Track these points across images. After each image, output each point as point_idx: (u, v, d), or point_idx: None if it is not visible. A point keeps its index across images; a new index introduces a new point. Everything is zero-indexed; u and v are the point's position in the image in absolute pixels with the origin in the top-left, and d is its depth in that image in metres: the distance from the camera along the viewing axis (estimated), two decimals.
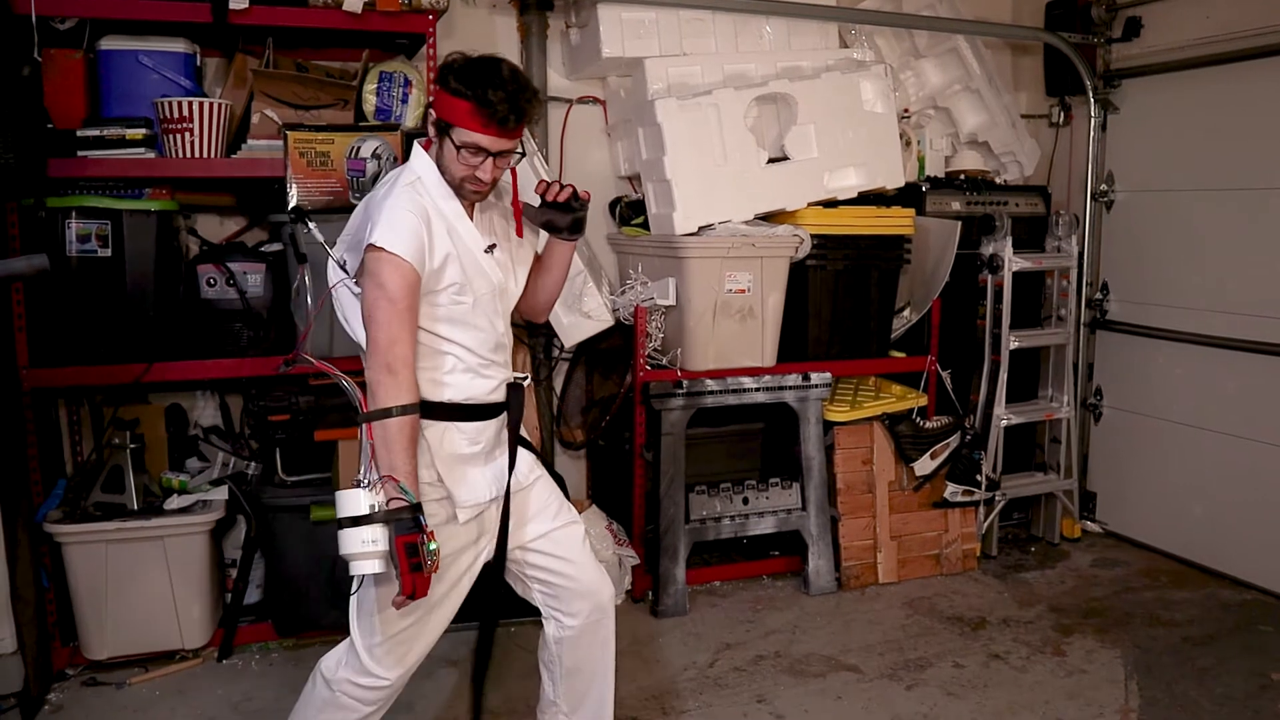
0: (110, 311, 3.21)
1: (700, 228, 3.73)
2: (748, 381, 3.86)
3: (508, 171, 2.31)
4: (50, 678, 3.20)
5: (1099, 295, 4.71)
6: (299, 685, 2.95)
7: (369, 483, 2.03)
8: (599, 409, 4.03)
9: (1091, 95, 4.60)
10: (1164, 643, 3.59)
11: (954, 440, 4.17)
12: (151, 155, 3.22)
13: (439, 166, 2.22)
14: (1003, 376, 4.27)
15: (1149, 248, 4.51)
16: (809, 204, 3.91)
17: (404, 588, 2.00)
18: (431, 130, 2.22)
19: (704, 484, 3.96)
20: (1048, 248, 4.46)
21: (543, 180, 2.37)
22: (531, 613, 3.67)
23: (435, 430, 2.23)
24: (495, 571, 2.40)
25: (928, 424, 4.14)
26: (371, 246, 2.09)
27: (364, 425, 2.11)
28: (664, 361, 3.83)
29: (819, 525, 4.01)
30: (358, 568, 2.01)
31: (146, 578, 3.25)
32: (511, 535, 2.38)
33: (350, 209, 2.49)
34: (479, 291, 2.25)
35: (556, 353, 4.19)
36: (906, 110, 4.51)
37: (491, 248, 2.30)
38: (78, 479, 3.44)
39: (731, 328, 3.78)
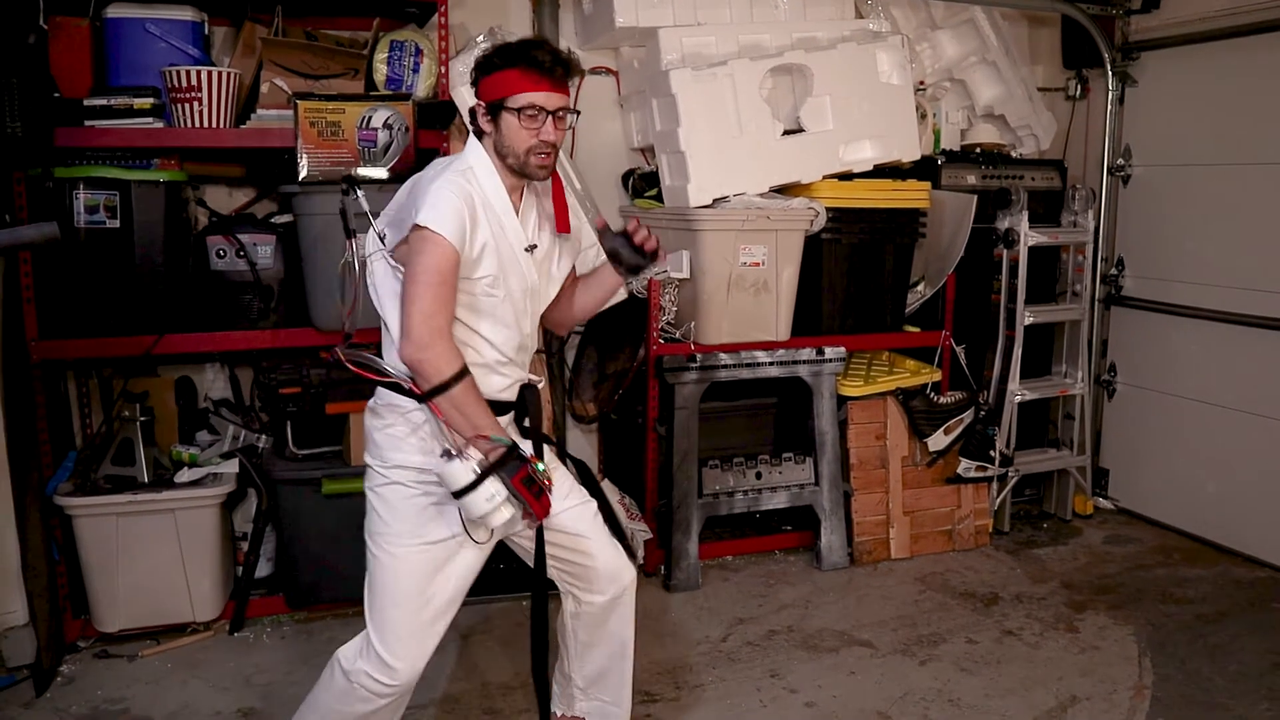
0: (119, 283, 3.18)
1: (715, 200, 3.70)
2: (761, 355, 3.83)
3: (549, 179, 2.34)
4: (62, 650, 3.20)
5: (1114, 271, 4.67)
6: (310, 658, 2.97)
7: (459, 452, 2.06)
8: (611, 383, 4.01)
9: (1109, 68, 4.54)
10: (1177, 620, 3.58)
11: (968, 416, 4.14)
12: (160, 125, 3.19)
13: (500, 154, 2.23)
14: (1017, 352, 4.24)
15: (1165, 223, 4.46)
16: (824, 177, 3.87)
17: (538, 514, 2.12)
18: (484, 122, 2.23)
19: (717, 458, 3.94)
20: (1063, 222, 4.42)
21: (635, 218, 2.47)
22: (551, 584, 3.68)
23: (420, 414, 2.22)
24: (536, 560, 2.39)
25: (941, 399, 4.12)
26: (417, 226, 2.10)
27: (427, 404, 2.14)
28: (677, 335, 3.80)
29: (832, 500, 4.00)
30: (496, 521, 2.08)
31: (157, 550, 3.24)
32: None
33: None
34: (512, 288, 2.26)
35: None
36: (922, 82, 4.45)
37: (532, 248, 2.30)
38: (88, 452, 3.43)
39: (745, 301, 3.75)
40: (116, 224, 3.16)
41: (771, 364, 3.85)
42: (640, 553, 3.87)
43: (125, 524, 3.19)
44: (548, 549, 2.41)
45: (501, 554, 3.61)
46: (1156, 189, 4.51)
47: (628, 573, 2.50)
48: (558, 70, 2.18)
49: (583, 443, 4.35)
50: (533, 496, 2.09)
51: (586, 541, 2.43)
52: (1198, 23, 4.26)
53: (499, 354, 2.28)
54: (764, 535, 4.20)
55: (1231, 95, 4.15)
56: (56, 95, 3.14)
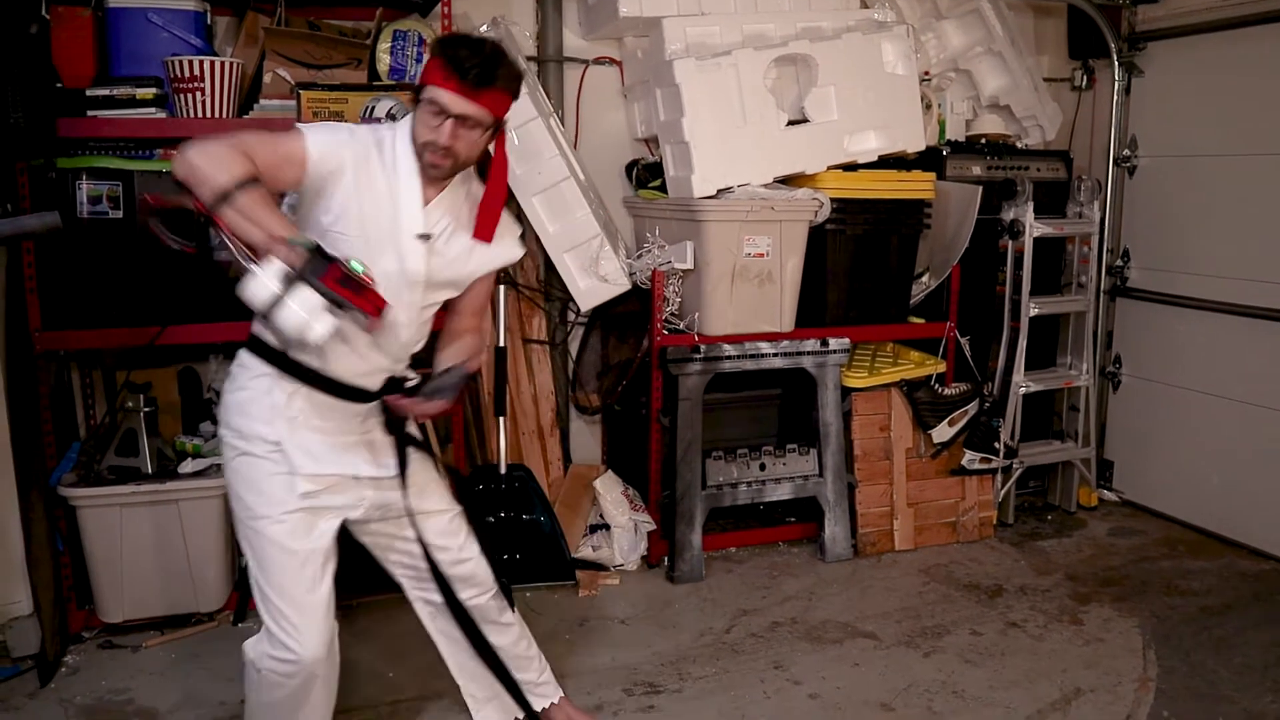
0: (122, 274, 3.18)
1: (719, 190, 3.69)
2: (765, 347, 3.82)
3: (481, 186, 2.28)
4: (67, 640, 3.21)
5: (1120, 262, 4.65)
6: None
7: (256, 263, 1.86)
8: (615, 374, 4.00)
9: (1116, 58, 4.52)
10: (1182, 612, 3.57)
11: (972, 407, 4.13)
12: (162, 115, 3.18)
13: (412, 137, 2.17)
14: (1022, 343, 4.22)
15: (1172, 214, 4.44)
16: (828, 167, 3.85)
17: (368, 311, 1.90)
18: (409, 102, 2.20)
19: (720, 450, 3.94)
20: (1069, 213, 4.40)
21: (406, 405, 2.24)
22: (546, 577, 3.69)
23: (286, 388, 2.16)
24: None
25: (946, 391, 4.10)
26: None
27: (214, 221, 1.92)
28: (681, 326, 3.79)
29: (836, 492, 3.99)
30: (314, 334, 1.86)
31: (161, 541, 3.24)
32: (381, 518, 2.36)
33: None
34: (387, 268, 2.14)
35: (572, 317, 4.16)
36: (927, 73, 4.43)
37: (426, 237, 2.20)
38: (91, 443, 3.42)
39: (750, 292, 3.74)
40: (120, 214, 3.15)
41: (775, 355, 3.84)
42: (643, 544, 3.87)
43: (129, 515, 3.19)
44: (395, 554, 2.44)
45: (508, 545, 3.62)
46: (1163, 180, 4.49)
47: (489, 586, 2.50)
48: (472, 75, 2.06)
49: (586, 434, 4.34)
50: (354, 294, 1.87)
51: (455, 551, 2.43)
52: (1205, 13, 4.24)
53: (344, 340, 2.12)
54: (768, 527, 4.19)
55: (1239, 86, 4.13)
56: (59, 85, 3.13)
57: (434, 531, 2.40)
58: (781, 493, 3.97)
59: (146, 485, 3.21)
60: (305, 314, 1.83)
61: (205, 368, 3.74)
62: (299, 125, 2.13)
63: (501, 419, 3.76)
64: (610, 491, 3.85)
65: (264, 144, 2.03)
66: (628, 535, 3.83)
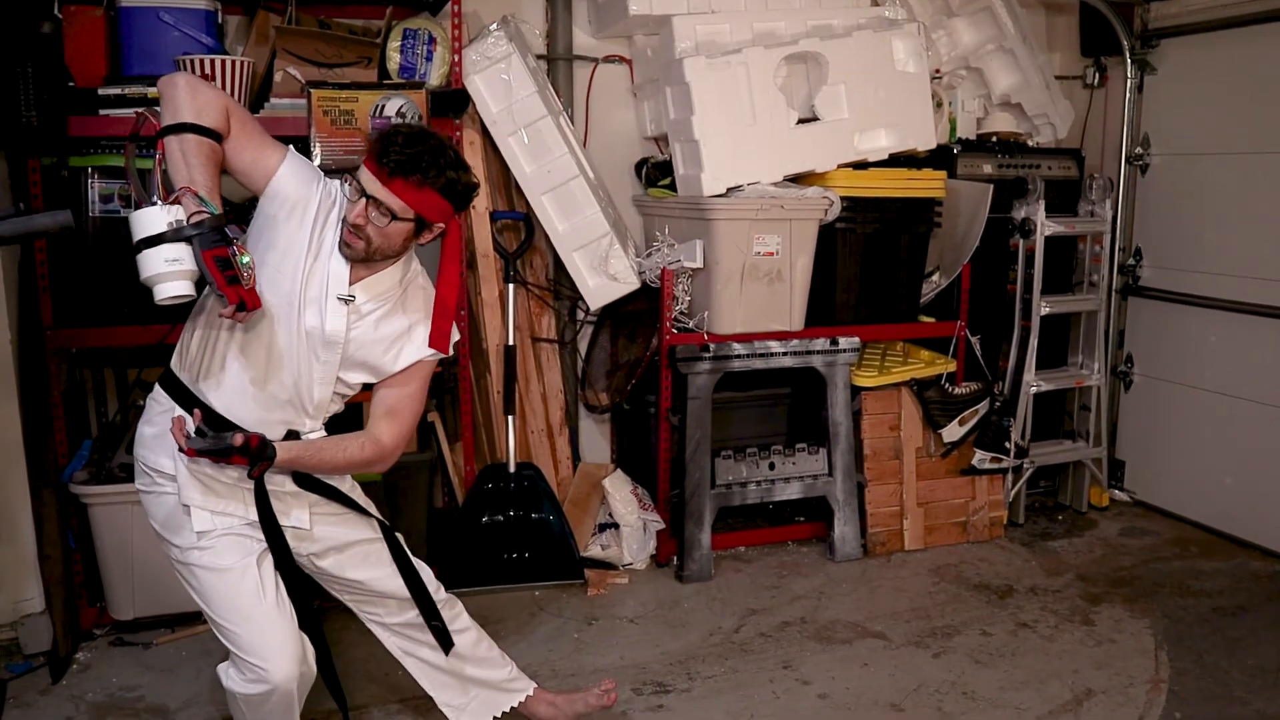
0: (133, 272, 3.17)
1: (728, 189, 3.68)
2: (775, 346, 3.81)
3: (430, 292, 2.26)
4: (79, 637, 3.22)
5: (1132, 261, 4.63)
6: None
7: (162, 200, 1.85)
8: (624, 372, 4.00)
9: (1128, 55, 4.50)
10: (1194, 613, 3.56)
11: (983, 407, 4.12)
12: None
13: None
14: (1033, 343, 4.21)
15: (1184, 213, 4.42)
16: (839, 165, 3.84)
17: (229, 299, 1.84)
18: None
19: (730, 449, 3.93)
20: (1080, 212, 4.38)
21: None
22: (555, 576, 3.69)
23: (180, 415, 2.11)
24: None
25: (956, 390, 4.09)
26: None
27: (157, 145, 1.94)
28: (690, 325, 3.78)
29: (845, 491, 3.98)
30: (163, 290, 1.83)
31: None
32: (308, 555, 2.34)
33: None
34: (306, 320, 2.13)
35: (582, 315, 4.16)
36: (938, 71, 4.42)
37: (349, 300, 2.16)
38: (103, 440, 3.44)
39: (759, 291, 3.73)
40: (131, 212, 3.15)
41: (785, 354, 3.84)
42: (652, 543, 3.87)
43: (140, 513, 3.14)
44: (334, 586, 2.43)
45: (517, 544, 3.62)
46: (1175, 178, 4.47)
47: (412, 608, 2.47)
48: (392, 162, 2.03)
49: (595, 432, 4.34)
50: (223, 279, 1.82)
51: (374, 584, 2.41)
52: (1218, 9, 4.20)
53: (255, 386, 2.13)
54: (777, 526, 4.19)
55: (1253, 83, 4.10)
56: (71, 84, 3.14)
57: (358, 563, 2.38)
58: (791, 492, 3.97)
59: None
60: (165, 268, 1.81)
61: None
62: (290, 149, 2.14)
63: (510, 418, 3.76)
64: (619, 490, 3.85)
65: (249, 124, 2.07)
66: (637, 534, 3.83)
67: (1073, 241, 4.47)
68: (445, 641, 2.48)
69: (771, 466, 3.96)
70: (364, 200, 2.07)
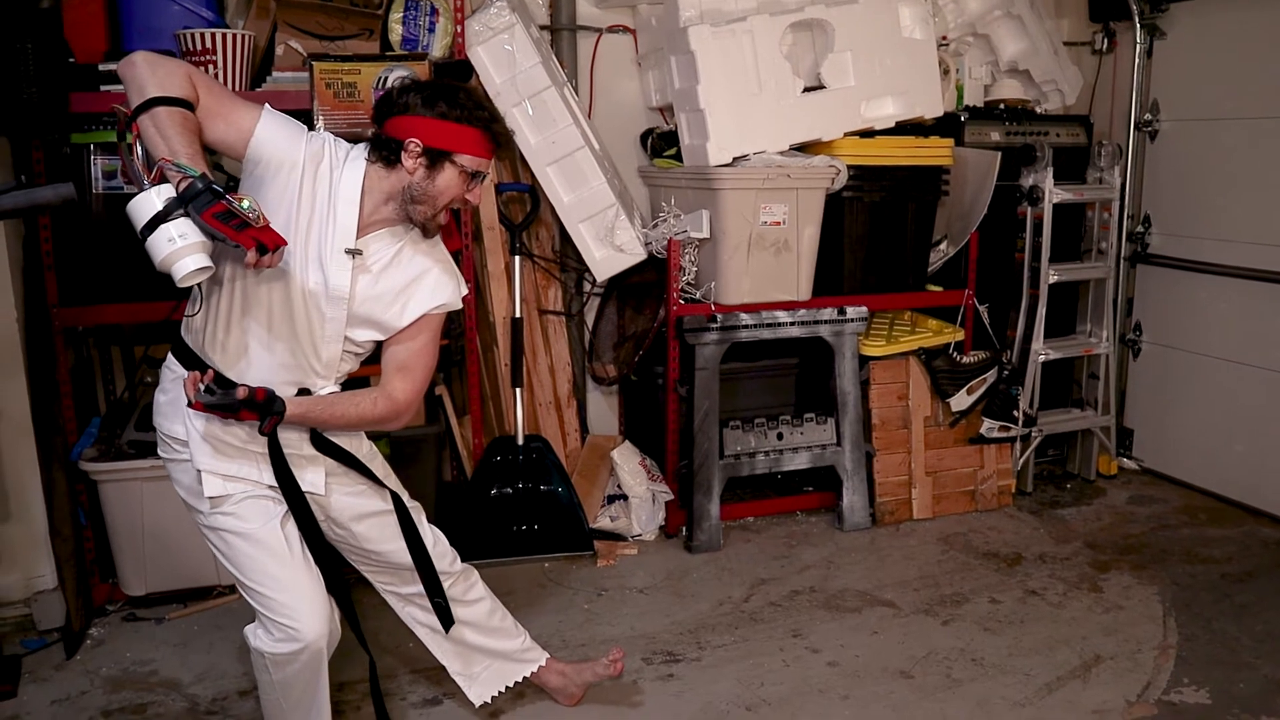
0: (138, 249, 3.17)
1: (734, 159, 3.66)
2: (782, 315, 3.80)
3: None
4: (91, 613, 3.24)
5: (1140, 228, 4.60)
6: (331, 620, 2.97)
7: (150, 183, 1.82)
8: (631, 344, 3.99)
9: (1137, 20, 4.44)
10: (1202, 580, 3.56)
11: (991, 375, 4.10)
12: None
13: (408, 194, 2.14)
14: (1041, 311, 4.19)
15: (1194, 179, 4.38)
16: (845, 134, 3.81)
17: (246, 245, 1.81)
18: (414, 160, 2.11)
19: (738, 419, 3.93)
20: (1089, 179, 4.35)
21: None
22: (564, 548, 3.70)
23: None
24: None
25: (964, 359, 4.08)
26: None
27: (130, 130, 1.91)
28: (697, 295, 3.77)
29: (854, 461, 3.98)
30: (181, 269, 1.80)
31: (181, 515, 3.18)
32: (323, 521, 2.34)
33: None
34: (310, 279, 2.11)
35: (588, 287, 4.15)
36: (945, 37, 4.37)
37: (356, 253, 2.15)
38: (111, 417, 3.44)
39: (766, 261, 3.71)
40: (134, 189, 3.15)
41: (793, 324, 3.83)
42: (661, 514, 3.88)
43: (150, 489, 3.21)
44: (357, 559, 2.46)
45: (526, 516, 3.63)
46: (1185, 144, 4.43)
47: (454, 571, 2.51)
48: (501, 139, 2.19)
49: (603, 404, 4.34)
50: (233, 230, 1.79)
51: (390, 555, 2.43)
52: None
53: (264, 347, 2.13)
54: (785, 496, 4.19)
55: (1263, 48, 4.05)
56: (71, 60, 3.12)
57: (373, 535, 2.40)
58: (799, 462, 3.97)
59: None
60: (172, 246, 1.78)
61: None
62: (266, 107, 2.10)
63: (518, 390, 3.76)
64: (628, 462, 3.85)
65: (215, 89, 2.04)
66: (645, 505, 3.83)
67: (1081, 209, 4.44)
68: (446, 619, 2.48)
69: (780, 437, 3.96)
70: (479, 183, 2.18)
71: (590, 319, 4.21)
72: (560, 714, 2.75)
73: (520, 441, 3.74)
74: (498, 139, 2.17)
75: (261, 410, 2.04)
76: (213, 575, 3.34)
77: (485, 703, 2.67)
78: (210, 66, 3.14)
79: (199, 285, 1.98)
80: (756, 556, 3.74)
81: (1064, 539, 3.90)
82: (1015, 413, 4.16)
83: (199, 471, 2.15)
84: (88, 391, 3.54)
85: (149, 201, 1.79)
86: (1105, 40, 4.70)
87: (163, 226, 1.78)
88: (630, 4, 4.08)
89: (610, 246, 3.79)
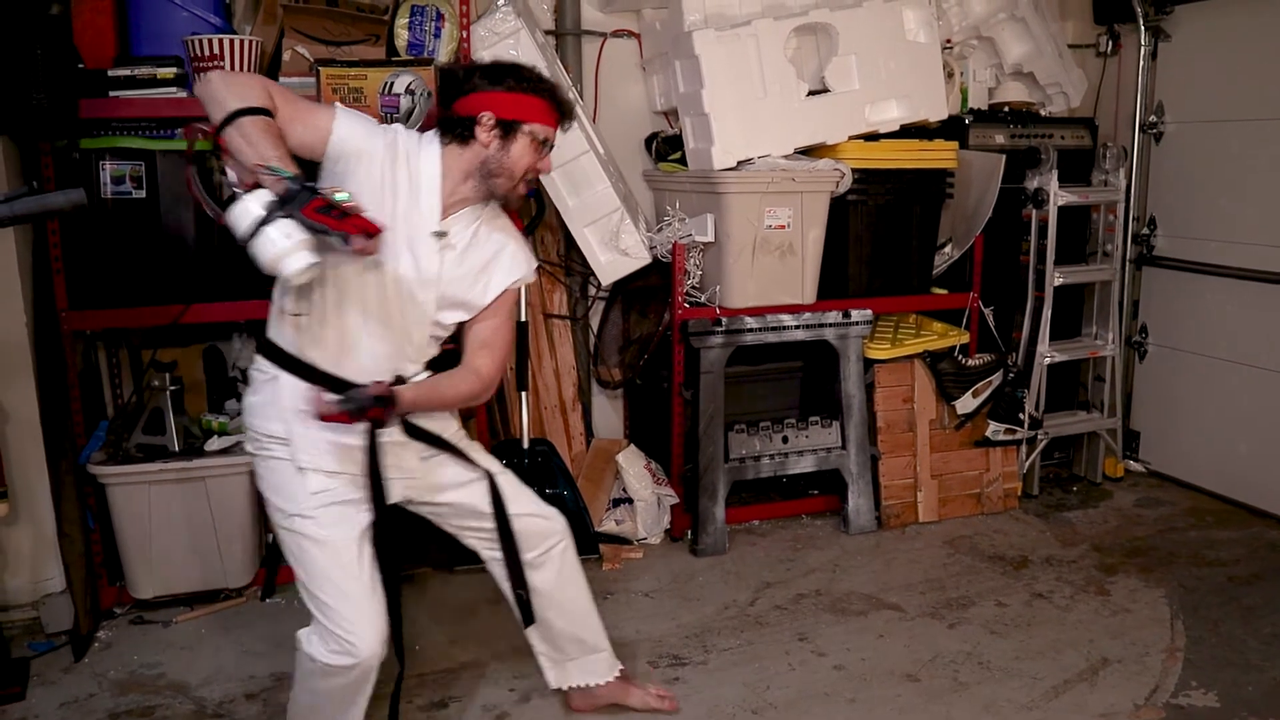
0: (146, 253, 3.19)
1: (739, 162, 3.66)
2: (787, 319, 3.81)
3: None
4: (99, 616, 3.25)
5: (1146, 230, 4.60)
6: None
7: (245, 190, 1.88)
8: (636, 348, 4.00)
9: (1142, 22, 4.45)
10: (1209, 582, 3.55)
11: (996, 378, 4.10)
12: (183, 94, 3.18)
13: (485, 169, 2.21)
14: (1046, 313, 4.19)
15: (1199, 181, 4.38)
16: (850, 137, 3.82)
17: (351, 232, 1.88)
18: (488, 133, 2.19)
19: (743, 423, 3.93)
20: (1094, 181, 4.35)
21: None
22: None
23: (296, 389, 2.15)
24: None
25: (970, 362, 4.08)
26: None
27: (216, 144, 1.97)
28: (702, 299, 3.78)
29: (859, 464, 3.98)
30: (290, 266, 1.83)
31: (189, 518, 3.28)
32: (423, 500, 2.40)
33: None
34: (401, 266, 2.17)
35: (593, 291, 4.16)
36: (949, 40, 4.37)
37: (442, 234, 2.21)
38: (119, 421, 3.46)
39: (771, 264, 3.72)
40: (143, 194, 3.16)
41: (797, 327, 3.83)
42: (666, 517, 3.88)
43: (157, 492, 3.23)
44: (457, 529, 2.48)
45: None
46: (1190, 146, 4.43)
47: (554, 534, 2.53)
48: (567, 110, 2.29)
49: (608, 408, 4.35)
50: (334, 220, 1.85)
51: (488, 517, 2.44)
52: None
53: (362, 334, 2.18)
54: (791, 499, 4.19)
55: (1267, 49, 4.05)
56: (80, 66, 3.14)
57: (474, 500, 2.43)
58: (804, 465, 3.97)
59: (174, 463, 3.23)
60: (284, 244, 1.82)
61: (229, 346, 3.76)
62: (337, 105, 2.19)
63: (524, 394, 3.77)
64: (633, 465, 3.86)
65: (289, 95, 2.10)
66: (651, 509, 3.84)
67: (1086, 211, 4.44)
68: (526, 615, 2.51)
69: (785, 440, 3.96)
70: (546, 147, 2.26)
71: (595, 323, 4.22)
72: (564, 718, 2.75)
73: (525, 445, 3.75)
74: (563, 108, 2.27)
75: (386, 404, 2.06)
76: (220, 578, 3.35)
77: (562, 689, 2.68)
78: None
79: (301, 286, 2.01)
80: (762, 560, 3.74)
81: (1070, 542, 3.90)
82: (1021, 415, 4.16)
83: (300, 469, 2.17)
84: (96, 395, 3.55)
85: (249, 208, 1.83)
86: (1110, 43, 4.70)
87: (266, 229, 1.82)
88: (634, 9, 4.09)
89: (615, 250, 3.80)
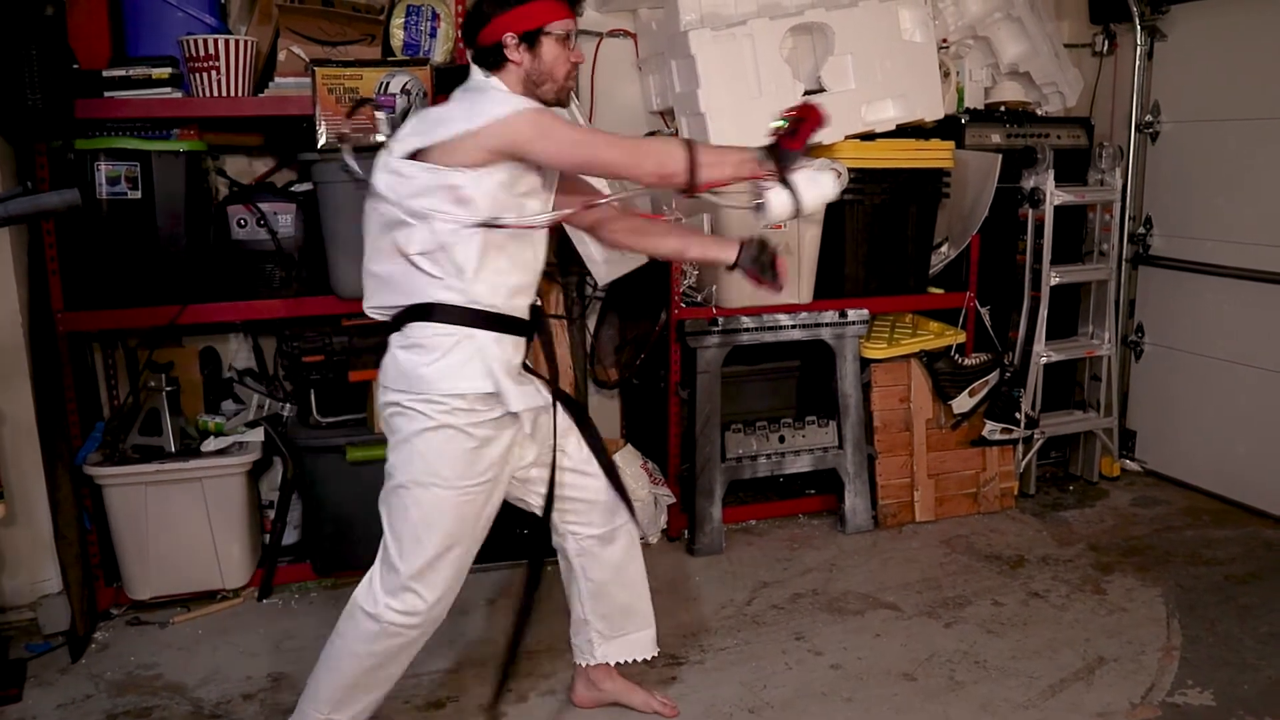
0: (142, 254, 3.19)
1: None
2: (784, 319, 3.81)
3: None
4: (96, 617, 3.25)
5: (1142, 230, 4.60)
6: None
7: (762, 190, 2.21)
8: (633, 347, 4.00)
9: (1138, 22, 4.45)
10: (1206, 581, 3.55)
11: (993, 378, 4.11)
12: (178, 95, 3.18)
13: (534, 83, 2.29)
14: (1043, 313, 4.19)
15: (1195, 180, 4.39)
16: (846, 137, 3.81)
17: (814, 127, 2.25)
18: (517, 52, 2.26)
19: (740, 422, 3.93)
20: (1090, 181, 4.35)
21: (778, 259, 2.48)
22: None
23: (488, 337, 2.24)
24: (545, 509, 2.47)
25: (966, 361, 4.08)
26: (498, 122, 2.12)
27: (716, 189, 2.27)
28: (699, 299, 3.78)
29: (855, 463, 3.98)
30: (835, 191, 2.27)
31: (186, 519, 3.28)
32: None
33: None
34: (539, 205, 2.32)
35: (590, 291, 4.15)
36: (945, 40, 4.37)
37: None
38: (115, 422, 3.46)
39: None
40: (138, 195, 3.16)
41: (794, 327, 3.83)
42: (663, 517, 3.88)
43: (154, 493, 3.23)
44: (538, 486, 2.50)
45: (533, 518, 3.64)
46: (1186, 146, 4.43)
47: (623, 510, 2.58)
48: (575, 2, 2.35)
49: (605, 408, 4.35)
50: (802, 137, 2.21)
51: (588, 477, 2.52)
52: None
53: (522, 279, 2.32)
54: (787, 499, 4.19)
55: (1264, 49, 4.05)
56: (75, 66, 3.13)
57: (581, 452, 2.54)
58: (801, 465, 3.97)
59: (170, 464, 3.24)
60: (818, 186, 2.20)
61: (226, 346, 3.77)
62: (509, 111, 2.16)
63: None
64: (629, 465, 3.85)
65: (593, 134, 2.42)
66: (647, 508, 3.83)
67: (1082, 211, 4.44)
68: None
69: (781, 439, 3.96)
70: (572, 38, 2.32)
71: (592, 323, 4.22)
72: (563, 716, 2.75)
73: None
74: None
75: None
76: (216, 579, 3.35)
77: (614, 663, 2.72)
78: (213, 72, 3.15)
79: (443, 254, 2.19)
80: (759, 559, 3.74)
81: (1067, 541, 3.90)
82: (1017, 415, 4.16)
83: (510, 414, 2.25)
84: (92, 396, 3.55)
85: (776, 199, 2.20)
86: (1106, 42, 4.70)
87: (797, 195, 2.20)
88: (631, 8, 4.09)
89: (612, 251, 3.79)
